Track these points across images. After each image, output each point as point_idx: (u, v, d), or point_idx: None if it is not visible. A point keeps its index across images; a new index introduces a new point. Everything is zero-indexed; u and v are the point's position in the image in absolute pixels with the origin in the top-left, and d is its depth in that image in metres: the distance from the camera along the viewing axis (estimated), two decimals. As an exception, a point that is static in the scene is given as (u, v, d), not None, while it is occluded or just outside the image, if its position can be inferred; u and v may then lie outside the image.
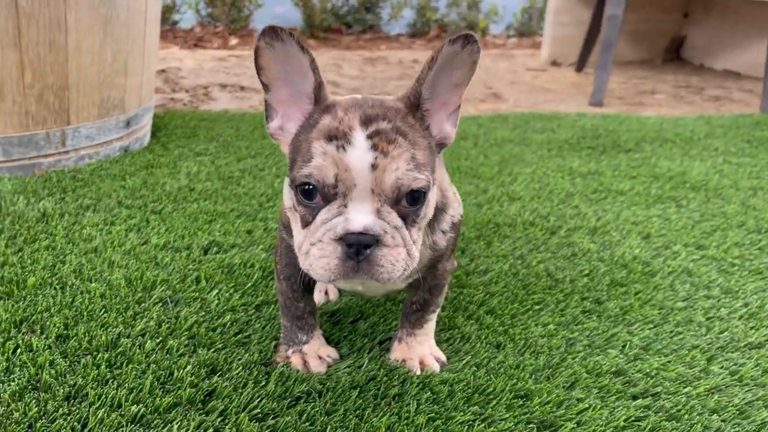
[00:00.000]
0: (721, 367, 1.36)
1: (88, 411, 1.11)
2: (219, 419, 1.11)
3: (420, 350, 1.34)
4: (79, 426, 1.08)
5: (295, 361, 1.30)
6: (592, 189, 2.45)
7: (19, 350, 1.27)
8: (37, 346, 1.28)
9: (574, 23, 6.05)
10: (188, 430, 1.08)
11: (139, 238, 1.78)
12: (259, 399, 1.17)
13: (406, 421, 1.13)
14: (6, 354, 1.25)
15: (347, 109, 1.02)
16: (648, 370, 1.33)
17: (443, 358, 1.35)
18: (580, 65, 5.72)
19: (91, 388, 1.17)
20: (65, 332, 1.33)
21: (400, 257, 1.01)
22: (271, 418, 1.13)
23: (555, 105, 4.29)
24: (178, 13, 7.12)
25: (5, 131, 2.21)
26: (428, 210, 1.09)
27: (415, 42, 8.18)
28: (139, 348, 1.29)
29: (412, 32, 8.52)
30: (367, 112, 1.00)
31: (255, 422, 1.12)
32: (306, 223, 1.03)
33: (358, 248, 0.98)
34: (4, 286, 1.49)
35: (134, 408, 1.11)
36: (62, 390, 1.16)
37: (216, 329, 1.38)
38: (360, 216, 0.98)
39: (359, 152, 0.96)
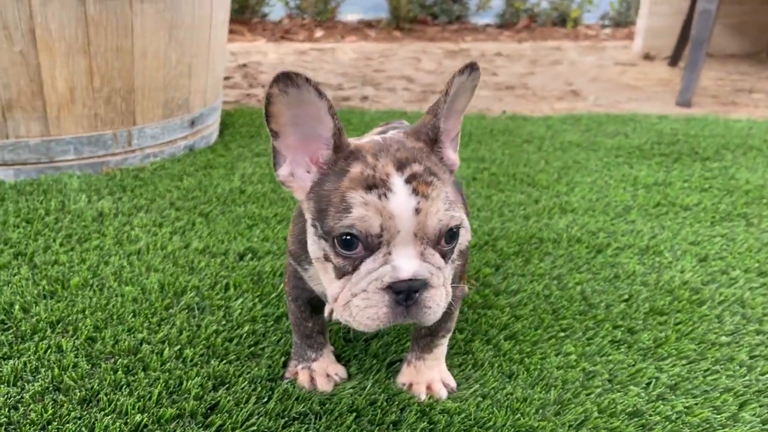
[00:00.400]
0: (754, 414, 1.26)
1: (97, 417, 1.17)
2: (215, 434, 1.14)
3: (428, 375, 1.32)
4: (86, 431, 1.14)
5: (302, 377, 1.32)
6: (654, 202, 2.31)
7: (49, 351, 1.35)
8: (66, 348, 1.36)
9: (672, 13, 5.72)
10: (183, 443, 1.12)
11: (181, 241, 1.86)
12: (257, 416, 1.19)
13: (395, 451, 1.12)
14: (38, 353, 1.34)
15: (377, 155, 1.01)
16: (669, 413, 1.25)
17: (452, 384, 1.33)
18: (675, 59, 5.41)
19: (105, 393, 1.23)
20: (94, 334, 1.41)
21: (443, 296, 1.02)
22: (265, 437, 1.15)
23: (638, 104, 4.08)
24: (268, 5, 7.30)
25: (76, 132, 2.35)
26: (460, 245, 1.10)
27: (502, 33, 8.01)
28: (157, 355, 1.35)
29: (500, 23, 8.34)
30: (398, 156, 1.00)
31: (249, 440, 1.14)
32: (343, 273, 1.01)
33: (408, 294, 0.98)
34: (50, 285, 1.60)
35: (138, 417, 1.17)
36: (79, 393, 1.23)
37: (233, 339, 1.42)
38: (406, 262, 0.97)
39: (402, 199, 0.96)
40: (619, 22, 8.31)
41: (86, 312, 1.49)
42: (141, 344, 1.39)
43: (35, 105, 2.25)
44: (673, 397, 1.31)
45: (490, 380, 1.32)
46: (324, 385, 1.31)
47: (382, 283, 0.97)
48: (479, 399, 1.27)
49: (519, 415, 1.22)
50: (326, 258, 1.03)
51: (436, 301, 1.01)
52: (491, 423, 1.20)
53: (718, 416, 1.25)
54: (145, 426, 1.16)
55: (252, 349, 1.40)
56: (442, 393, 1.30)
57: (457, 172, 2.47)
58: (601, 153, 2.91)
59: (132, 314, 1.49)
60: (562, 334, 1.50)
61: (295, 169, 1.06)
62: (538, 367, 1.37)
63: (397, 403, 1.25)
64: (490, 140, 3.08)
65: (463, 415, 1.21)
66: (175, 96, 2.58)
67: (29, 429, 1.14)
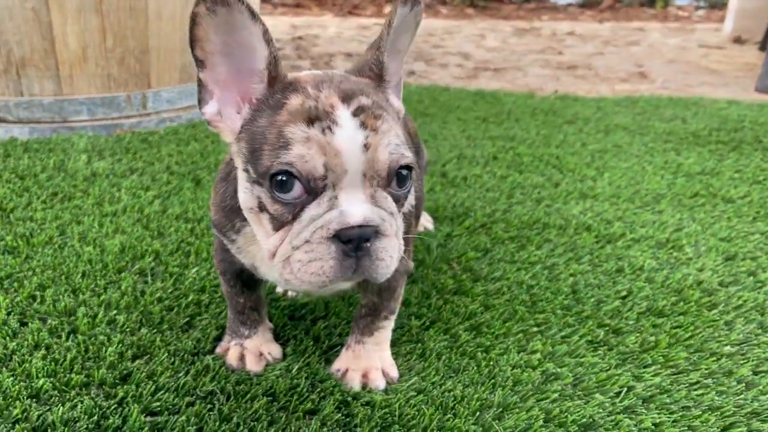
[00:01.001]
0: (737, 441, 1.06)
1: (4, 378, 1.11)
2: (114, 406, 1.06)
3: (367, 362, 1.19)
4: (-14, 391, 1.09)
5: (232, 354, 1.21)
6: (691, 192, 2.06)
7: (-14, 306, 1.32)
8: (1, 304, 1.32)
9: (768, -6, 5.23)
10: (76, 411, 1.04)
11: (161, 206, 1.80)
12: (165, 391, 1.10)
13: (295, 443, 1.00)
14: (-24, 308, 1.31)
15: (318, 86, 0.88)
16: (630, 430, 1.06)
17: (393, 374, 1.19)
18: (765, 43, 4.94)
19: (21, 354, 1.18)
20: (36, 293, 1.37)
21: (396, 248, 0.88)
22: (165, 414, 1.06)
23: (711, 89, 3.73)
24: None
25: (89, 92, 2.34)
26: (410, 195, 0.97)
27: (584, 13, 7.61)
28: (90, 319, 1.29)
29: (582, 2, 7.93)
30: (342, 87, 0.87)
31: (146, 416, 1.05)
32: (281, 224, 0.87)
33: (358, 243, 0.84)
34: (14, 240, 1.57)
35: (42, 381, 1.10)
36: (-3, 351, 1.18)
37: (173, 308, 1.34)
38: (356, 206, 0.84)
39: (349, 133, 0.83)
40: (715, 4, 7.72)
41: (37, 270, 1.45)
42: (78, 306, 1.33)
43: (48, 63, 2.25)
44: (643, 410, 1.12)
45: (432, 373, 1.18)
46: (253, 365, 1.20)
47: (328, 231, 0.83)
48: (412, 394, 1.13)
49: (450, 415, 1.07)
50: (261, 208, 0.88)
51: (390, 253, 0.87)
52: (415, 421, 1.06)
53: (693, 438, 1.06)
54: (46, 391, 1.09)
55: (188, 320, 1.31)
56: (379, 383, 1.17)
57: (479, 150, 2.30)
58: (649, 138, 2.65)
59: (81, 275, 1.44)
60: (535, 329, 1.33)
61: (224, 107, 0.92)
62: (492, 363, 1.21)
63: (319, 390, 1.13)
64: (529, 119, 2.87)
65: (385, 410, 1.08)
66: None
67: (-68, 383, 1.10)
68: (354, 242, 0.84)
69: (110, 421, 1.03)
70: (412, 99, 3.17)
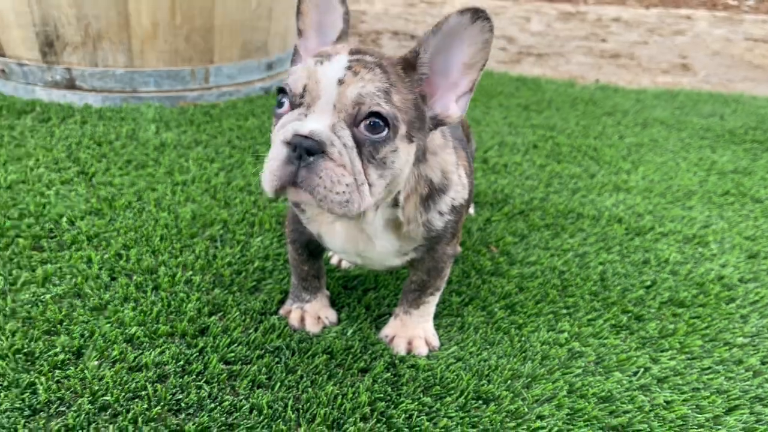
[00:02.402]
0: (739, 420, 1.19)
1: (99, 323, 1.30)
2: (195, 354, 1.24)
3: (412, 330, 1.35)
4: (87, 334, 1.27)
5: (294, 316, 1.38)
6: (722, 190, 2.16)
7: (80, 261, 1.50)
8: (94, 260, 1.50)
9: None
10: (165, 356, 1.22)
11: (226, 177, 1.97)
12: (238, 344, 1.28)
13: (351, 395, 1.17)
14: (70, 262, 1.50)
15: (349, 43, 1.07)
16: (644, 404, 1.21)
17: (434, 343, 1.35)
18: (813, 39, 4.90)
19: (114, 305, 1.36)
20: (122, 252, 1.55)
21: (344, 180, 0.96)
22: (239, 363, 1.24)
23: (753, 85, 3.76)
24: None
25: (157, 66, 2.51)
26: (396, 160, 1.02)
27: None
28: (170, 278, 1.47)
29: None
30: (361, 48, 1.03)
31: (223, 364, 1.23)
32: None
33: (301, 153, 0.95)
34: (99, 203, 1.76)
35: (134, 329, 1.28)
36: (92, 301, 1.37)
37: (241, 272, 1.51)
38: (312, 123, 0.97)
39: (332, 68, 0.97)
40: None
41: (121, 231, 1.63)
42: (159, 266, 1.51)
43: (122, 37, 2.42)
44: (657, 389, 1.26)
45: (470, 344, 1.33)
46: (312, 326, 1.37)
47: (285, 135, 0.96)
48: (452, 361, 1.28)
49: (485, 381, 1.23)
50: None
51: (332, 178, 0.95)
52: (454, 384, 1.21)
53: (699, 416, 1.20)
54: (138, 338, 1.27)
55: (255, 284, 1.48)
56: (422, 350, 1.33)
57: (520, 138, 2.42)
58: (686, 133, 2.73)
59: (159, 238, 1.62)
60: (564, 311, 1.47)
61: None
62: (523, 339, 1.36)
63: (371, 352, 1.29)
64: (569, 109, 2.97)
65: (428, 373, 1.24)
66: (254, 38, 2.68)
67: (43, 325, 1.29)
68: (297, 150, 0.95)
69: (193, 366, 1.21)
70: (457, 83, 3.27)
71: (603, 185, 2.14)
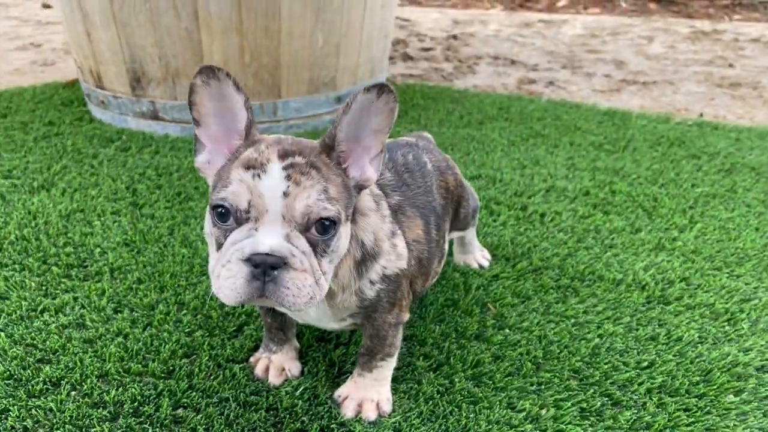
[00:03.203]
0: None
1: (86, 356, 1.44)
2: (153, 396, 1.34)
3: (365, 393, 1.36)
4: (71, 366, 1.42)
5: (260, 366, 1.45)
6: (786, 258, 1.93)
7: (93, 292, 1.67)
8: (106, 292, 1.67)
9: None
10: (125, 395, 1.34)
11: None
12: (195, 390, 1.36)
13: (273, 457, 1.21)
14: (86, 292, 1.67)
15: (269, 144, 1.09)
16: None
17: (385, 408, 1.35)
18: None
19: (105, 339, 1.51)
20: (134, 285, 1.70)
21: (307, 283, 1.03)
22: (189, 410, 1.32)
23: None
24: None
25: (228, 99, 2.69)
26: (340, 244, 1.10)
27: (787, 12, 6.82)
28: (164, 316, 1.59)
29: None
30: (285, 147, 1.07)
31: (172, 410, 1.32)
32: (219, 246, 1.06)
33: (265, 269, 1.00)
34: (135, 236, 1.93)
35: (110, 365, 1.41)
36: (88, 333, 1.52)
37: (229, 315, 1.61)
38: (268, 238, 1.02)
39: (273, 181, 1.02)
40: None
41: (140, 264, 1.79)
42: (159, 303, 1.64)
43: (196, 74, 2.63)
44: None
45: (414, 416, 1.32)
46: (274, 378, 1.43)
47: (242, 253, 0.99)
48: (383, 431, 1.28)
49: (411, 458, 1.22)
50: (211, 233, 1.10)
51: (297, 285, 1.01)
52: (377, 458, 1.21)
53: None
54: (110, 374, 1.40)
55: (237, 328, 1.57)
56: (370, 414, 1.33)
57: (573, 183, 2.32)
58: (776, 183, 2.46)
59: (170, 275, 1.75)
60: (532, 387, 1.41)
61: (214, 157, 1.13)
62: (472, 416, 1.32)
63: (312, 413, 1.32)
64: (647, 150, 2.78)
65: (357, 442, 1.25)
66: (321, 74, 2.79)
67: (39, 353, 1.46)
68: (261, 267, 1.00)
69: (145, 408, 1.31)
70: (533, 117, 3.18)
71: (644, 243, 2.00)
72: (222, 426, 1.28)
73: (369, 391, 1.36)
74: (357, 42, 2.86)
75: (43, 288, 1.68)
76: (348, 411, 1.34)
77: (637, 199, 2.29)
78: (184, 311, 1.62)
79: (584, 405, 1.37)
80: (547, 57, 4.47)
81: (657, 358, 1.50)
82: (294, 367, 1.46)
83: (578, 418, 1.34)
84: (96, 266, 1.77)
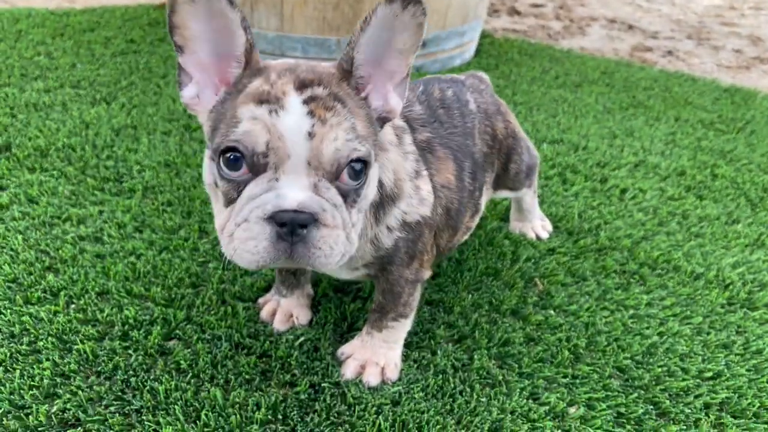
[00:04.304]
0: None
1: (106, 263, 1.38)
2: (160, 316, 1.26)
3: (371, 354, 1.21)
4: (76, 278, 1.36)
5: (266, 309, 1.33)
6: None
7: (121, 209, 1.61)
8: (133, 209, 1.60)
9: None
10: (129, 313, 1.26)
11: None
12: (189, 322, 1.26)
13: (252, 407, 1.09)
14: (117, 206, 1.61)
15: (281, 73, 0.92)
16: None
17: (390, 375, 1.19)
18: None
19: (118, 257, 1.44)
20: (161, 207, 1.63)
21: (340, 240, 0.89)
22: (180, 340, 1.23)
23: None
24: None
25: (305, 32, 2.56)
26: (369, 190, 0.96)
27: None
28: (183, 241, 1.50)
29: None
30: (301, 76, 0.89)
31: (162, 340, 1.23)
32: (229, 201, 0.89)
33: (293, 228, 0.85)
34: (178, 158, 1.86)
35: (112, 284, 1.34)
36: (106, 248, 1.45)
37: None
38: (294, 191, 0.86)
39: (294, 119, 0.85)
40: None
41: (174, 185, 1.71)
42: (179, 229, 1.55)
43: (275, 2, 2.50)
44: None
45: (417, 390, 1.15)
46: (279, 323, 1.30)
47: (264, 211, 0.84)
48: (383, 402, 1.12)
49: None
50: (216, 183, 0.92)
51: (330, 243, 0.87)
52: (362, 430, 1.06)
53: None
54: (110, 293, 1.33)
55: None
56: (371, 379, 1.18)
57: (669, 161, 2.04)
58: None
59: (200, 201, 1.66)
60: (565, 380, 1.20)
61: (203, 91, 0.95)
62: (483, 401, 1.14)
63: (306, 367, 1.19)
64: (768, 134, 2.41)
65: (344, 407, 1.10)
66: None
67: (47, 261, 1.40)
68: (288, 226, 0.84)
69: (134, 333, 1.22)
70: (639, 85, 2.84)
71: (739, 237, 1.70)
72: (206, 365, 1.17)
73: (376, 353, 1.21)
74: (448, -19, 2.63)
75: (74, 197, 1.63)
76: (348, 371, 1.20)
77: (743, 187, 1.97)
78: (205, 239, 1.52)
79: (622, 410, 1.15)
80: (672, 25, 4.02)
81: (725, 370, 1.25)
82: (302, 315, 1.32)
83: (611, 423, 1.12)
84: (131, 183, 1.71)
